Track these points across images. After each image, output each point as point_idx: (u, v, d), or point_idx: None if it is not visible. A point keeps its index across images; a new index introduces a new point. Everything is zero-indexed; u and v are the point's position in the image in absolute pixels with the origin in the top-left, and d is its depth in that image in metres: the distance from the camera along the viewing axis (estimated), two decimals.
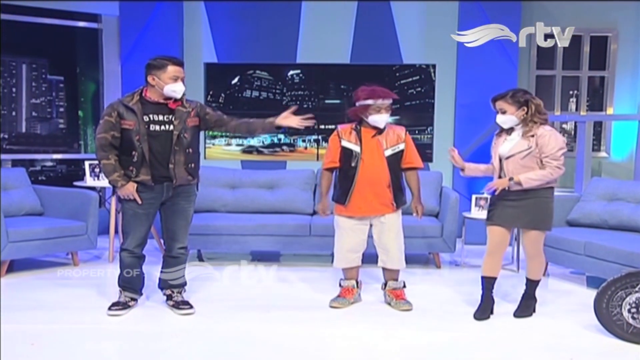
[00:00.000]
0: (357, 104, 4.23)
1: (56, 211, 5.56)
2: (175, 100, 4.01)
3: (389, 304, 4.41)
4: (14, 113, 7.45)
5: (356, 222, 4.32)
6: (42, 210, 5.63)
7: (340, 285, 4.49)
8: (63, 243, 5.25)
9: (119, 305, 4.15)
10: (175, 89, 3.95)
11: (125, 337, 3.79)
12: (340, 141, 4.28)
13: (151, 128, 3.95)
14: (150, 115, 3.96)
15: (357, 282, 4.49)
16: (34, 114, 7.61)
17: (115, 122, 3.94)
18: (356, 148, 4.23)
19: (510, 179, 3.97)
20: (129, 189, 3.96)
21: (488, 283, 4.19)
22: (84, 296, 4.50)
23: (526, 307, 4.22)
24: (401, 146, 4.30)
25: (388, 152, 4.25)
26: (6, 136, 7.32)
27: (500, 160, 4.11)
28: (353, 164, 4.22)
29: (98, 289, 4.62)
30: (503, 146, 4.09)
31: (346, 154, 4.25)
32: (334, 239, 4.45)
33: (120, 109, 3.95)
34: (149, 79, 3.96)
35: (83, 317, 4.08)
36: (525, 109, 3.99)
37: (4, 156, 6.85)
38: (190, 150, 4.08)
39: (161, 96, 3.97)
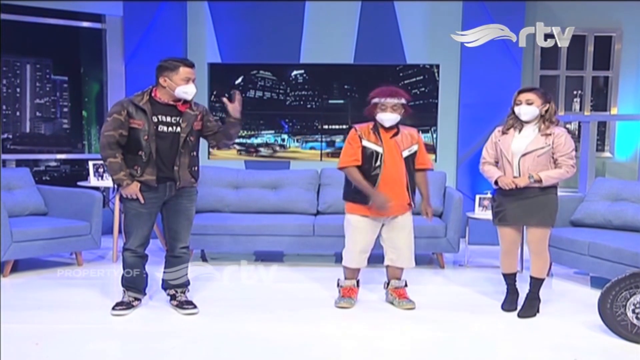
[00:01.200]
0: (370, 102, 4.26)
1: (60, 211, 5.57)
2: (185, 102, 4.01)
3: (392, 302, 4.41)
4: (18, 113, 7.47)
5: (371, 221, 4.29)
6: (46, 210, 5.63)
7: (338, 285, 4.48)
8: (67, 243, 5.26)
9: (123, 305, 4.15)
10: (187, 91, 3.95)
11: (129, 337, 3.79)
12: (360, 140, 4.25)
13: (159, 129, 3.95)
14: (159, 116, 3.96)
15: (356, 282, 4.50)
16: (38, 114, 7.62)
17: (124, 121, 3.93)
18: (378, 148, 4.21)
19: (530, 176, 4.02)
20: (133, 189, 3.96)
21: (510, 279, 4.34)
22: (87, 296, 4.51)
23: (530, 307, 4.21)
24: (415, 147, 4.31)
25: (405, 153, 4.26)
26: (10, 136, 7.34)
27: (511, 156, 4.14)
28: (377, 164, 4.20)
29: (102, 289, 4.63)
30: (516, 143, 4.11)
31: (367, 154, 4.22)
32: (345, 239, 4.41)
33: (130, 107, 3.94)
34: (161, 80, 3.95)
35: (87, 317, 4.09)
36: (547, 106, 4.09)
37: (8, 156, 6.87)
38: (194, 153, 4.12)
39: (171, 97, 3.97)
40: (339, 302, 4.39)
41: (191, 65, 4.00)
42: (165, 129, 3.97)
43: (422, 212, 4.41)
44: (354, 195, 4.27)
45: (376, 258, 4.54)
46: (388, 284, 4.47)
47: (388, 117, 4.21)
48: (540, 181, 4.02)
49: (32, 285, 4.82)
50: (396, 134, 4.27)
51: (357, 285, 4.49)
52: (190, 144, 4.05)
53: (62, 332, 3.79)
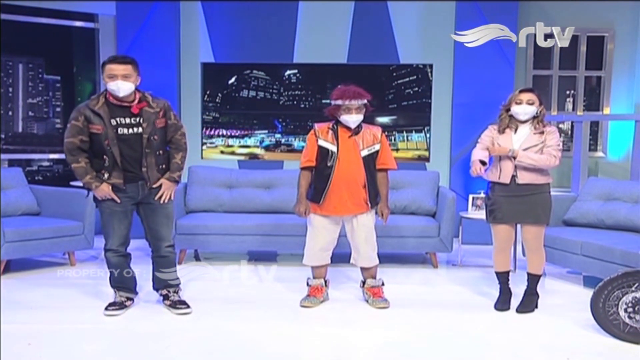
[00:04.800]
0: (331, 103, 4.26)
1: (53, 211, 5.55)
2: (140, 101, 3.95)
3: (367, 301, 4.43)
4: (10, 113, 7.44)
5: (330, 221, 4.34)
6: (39, 210, 5.62)
7: (307, 284, 4.49)
8: (60, 243, 5.24)
9: (116, 305, 4.15)
10: (113, 88, 3.85)
11: (122, 336, 3.78)
12: (317, 140, 4.27)
13: (119, 132, 3.89)
14: (118, 119, 3.90)
15: (325, 281, 4.50)
16: (30, 113, 7.60)
17: (83, 127, 3.88)
18: (333, 147, 4.23)
19: (511, 150, 4.11)
20: (105, 190, 3.94)
21: (503, 277, 4.37)
22: (81, 296, 4.51)
23: (529, 302, 4.28)
24: (377, 147, 4.30)
25: (364, 153, 4.25)
26: (3, 136, 7.31)
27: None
28: (329, 164, 4.22)
29: (95, 289, 4.62)
30: (515, 142, 4.17)
31: (322, 153, 4.25)
32: (306, 237, 4.45)
33: (87, 112, 3.88)
34: (103, 81, 3.92)
35: (80, 316, 4.08)
36: (542, 107, 4.21)
37: (0, 156, 6.84)
38: (161, 151, 4.06)
39: (118, 98, 3.90)
40: (303, 301, 4.40)
41: (117, 61, 3.88)
42: (125, 131, 3.91)
43: (379, 213, 4.39)
44: (313, 195, 4.30)
45: (345, 257, 4.55)
46: (364, 283, 4.50)
47: (353, 119, 4.22)
48: (516, 157, 4.09)
49: (24, 286, 4.80)
50: (356, 132, 4.27)
51: (326, 284, 4.50)
52: (155, 143, 3.98)
53: (55, 332, 3.78)
